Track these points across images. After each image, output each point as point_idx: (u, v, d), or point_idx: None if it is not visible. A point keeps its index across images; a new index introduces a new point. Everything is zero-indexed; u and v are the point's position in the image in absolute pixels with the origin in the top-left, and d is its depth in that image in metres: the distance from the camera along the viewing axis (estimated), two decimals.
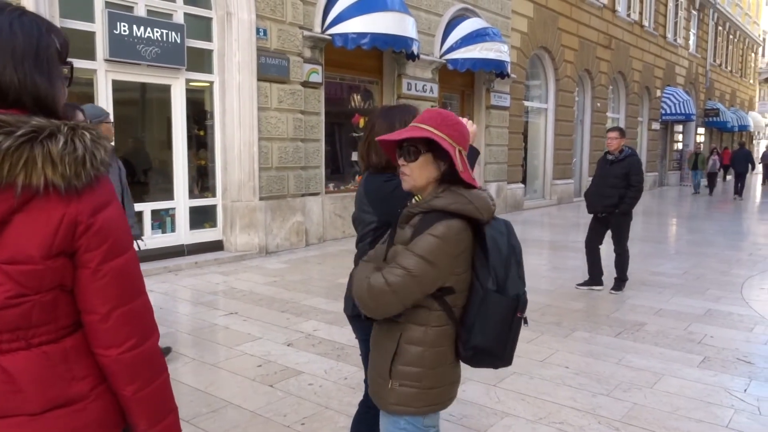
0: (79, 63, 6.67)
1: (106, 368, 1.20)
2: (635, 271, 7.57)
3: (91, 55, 6.80)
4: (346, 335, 4.88)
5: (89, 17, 6.78)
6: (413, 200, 1.87)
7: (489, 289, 1.74)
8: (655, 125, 22.74)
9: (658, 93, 22.59)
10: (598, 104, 18.12)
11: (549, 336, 4.92)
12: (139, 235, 4.55)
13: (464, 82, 12.87)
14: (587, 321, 5.37)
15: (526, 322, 1.83)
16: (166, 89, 7.60)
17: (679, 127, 25.73)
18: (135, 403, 1.22)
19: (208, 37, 7.97)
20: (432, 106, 4.10)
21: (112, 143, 4.49)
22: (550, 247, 9.67)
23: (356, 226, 2.38)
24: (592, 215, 6.53)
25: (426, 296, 1.76)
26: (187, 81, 7.73)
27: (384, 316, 1.80)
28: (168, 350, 4.37)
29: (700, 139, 28.12)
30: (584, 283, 6.57)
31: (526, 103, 15.13)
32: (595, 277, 6.53)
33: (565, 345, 4.71)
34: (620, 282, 6.45)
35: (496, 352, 1.80)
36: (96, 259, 1.14)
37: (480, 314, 1.76)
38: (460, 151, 1.77)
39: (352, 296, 1.92)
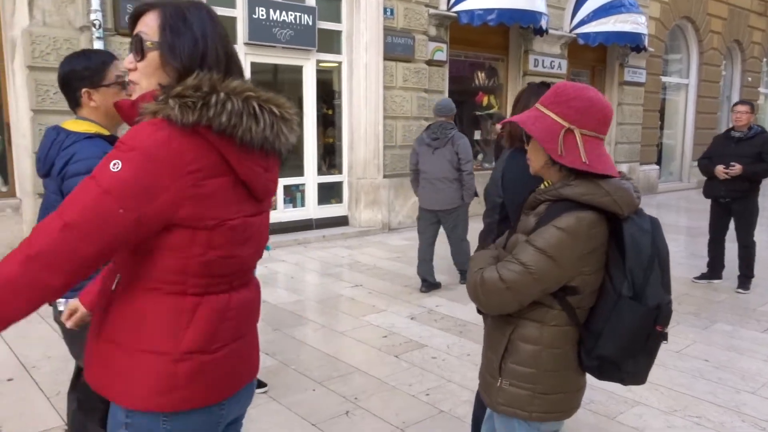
0: None
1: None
2: None
3: (233, 39, 7.26)
4: (468, 313, 4.91)
5: (231, 3, 7.23)
6: (542, 185, 1.71)
7: (623, 294, 1.53)
8: None
9: None
10: (749, 78, 16.41)
11: (686, 326, 4.62)
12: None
13: (595, 57, 12.21)
14: (730, 313, 4.97)
15: (665, 338, 1.59)
16: (298, 70, 7.95)
17: None
18: None
19: (337, 19, 8.21)
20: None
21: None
22: (687, 233, 9.01)
23: (486, 199, 2.38)
24: (712, 200, 5.82)
25: (546, 294, 1.61)
26: (318, 62, 8.04)
27: (499, 313, 1.67)
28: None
29: None
30: (702, 276, 5.96)
31: (664, 79, 14.07)
32: (715, 269, 5.91)
33: (704, 337, 4.41)
34: (747, 279, 5.67)
35: (625, 367, 1.59)
36: None
37: (610, 322, 1.55)
38: (582, 132, 1.56)
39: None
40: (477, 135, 10.20)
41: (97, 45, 5.90)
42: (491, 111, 10.34)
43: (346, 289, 5.65)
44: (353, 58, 8.18)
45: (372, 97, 8.18)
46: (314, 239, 7.81)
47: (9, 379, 3.62)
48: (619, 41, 10.97)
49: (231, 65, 1.29)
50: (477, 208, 4.39)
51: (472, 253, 4.11)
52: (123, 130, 1.40)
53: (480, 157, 10.25)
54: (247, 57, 7.39)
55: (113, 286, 1.32)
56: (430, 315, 4.88)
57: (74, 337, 2.11)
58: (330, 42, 8.19)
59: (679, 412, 3.25)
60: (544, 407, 1.65)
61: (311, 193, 8.27)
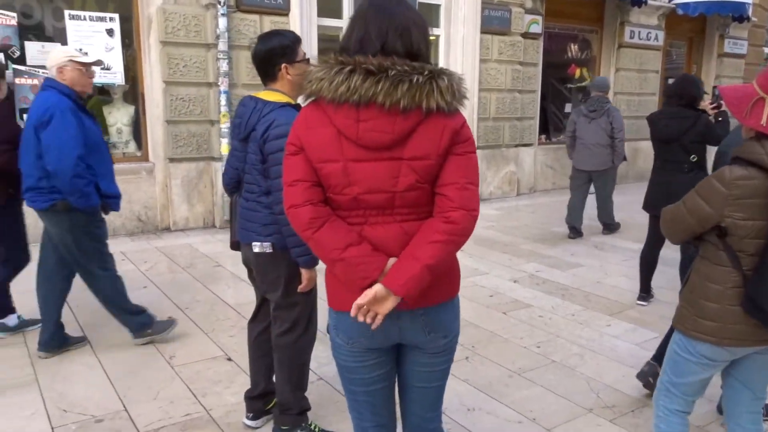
0: (329, 22, 7.54)
1: (452, 220, 1.59)
2: None
3: (337, 14, 7.64)
4: (569, 278, 5.17)
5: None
6: None
7: None
8: None
9: None
10: None
11: None
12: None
13: (694, 28, 11.81)
14: None
15: None
16: None
17: None
18: (439, 249, 1.58)
19: None
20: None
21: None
22: None
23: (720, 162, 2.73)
24: None
25: (710, 233, 1.92)
26: None
27: (673, 241, 2.12)
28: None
29: None
30: None
31: (766, 50, 13.40)
32: None
33: None
34: None
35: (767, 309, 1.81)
36: (463, 149, 1.62)
37: (759, 266, 1.82)
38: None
39: None
40: (568, 108, 10.21)
41: (221, 22, 6.42)
42: (583, 83, 10.31)
43: None
44: (451, 31, 8.39)
45: (468, 69, 8.38)
46: None
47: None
48: (722, 11, 10.57)
49: (366, 45, 1.58)
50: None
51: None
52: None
53: None
54: None
55: None
56: (532, 279, 5.17)
57: (265, 275, 2.57)
58: (429, 16, 8.41)
59: None
60: (697, 328, 1.99)
61: None
